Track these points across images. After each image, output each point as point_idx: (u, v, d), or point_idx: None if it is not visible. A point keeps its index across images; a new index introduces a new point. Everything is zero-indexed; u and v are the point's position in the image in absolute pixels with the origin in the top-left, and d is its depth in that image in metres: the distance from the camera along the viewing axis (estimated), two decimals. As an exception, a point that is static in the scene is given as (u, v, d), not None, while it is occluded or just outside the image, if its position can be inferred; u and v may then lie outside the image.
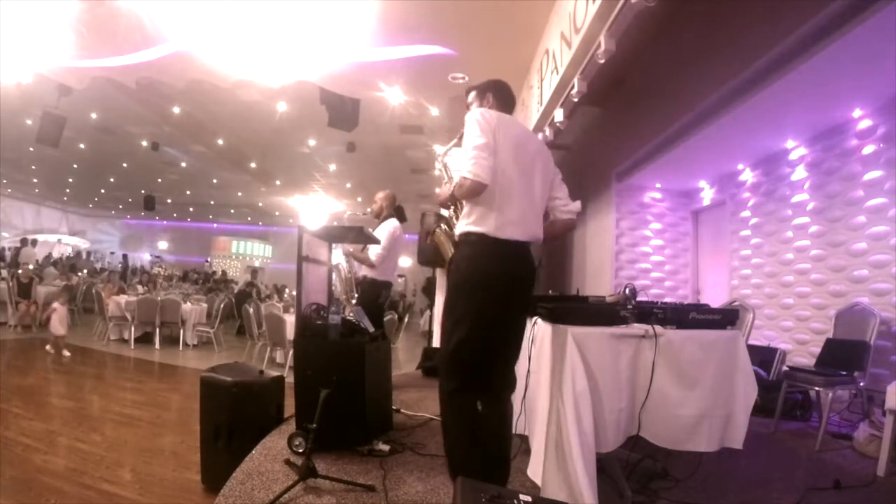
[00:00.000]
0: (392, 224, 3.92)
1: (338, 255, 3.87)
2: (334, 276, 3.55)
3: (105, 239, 21.52)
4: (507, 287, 1.82)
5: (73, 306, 9.52)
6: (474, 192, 1.79)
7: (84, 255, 19.13)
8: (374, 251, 3.79)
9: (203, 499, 2.62)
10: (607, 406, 1.94)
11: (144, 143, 9.69)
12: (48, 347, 6.54)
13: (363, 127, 6.49)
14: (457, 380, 1.79)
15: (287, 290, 12.89)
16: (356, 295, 3.87)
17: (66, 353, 6.46)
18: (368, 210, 4.17)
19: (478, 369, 1.79)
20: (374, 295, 3.91)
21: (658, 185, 6.29)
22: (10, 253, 13.95)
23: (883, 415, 2.75)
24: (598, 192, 6.12)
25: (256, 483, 2.13)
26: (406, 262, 12.72)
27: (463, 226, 1.87)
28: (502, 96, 2.07)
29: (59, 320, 6.56)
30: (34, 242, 14.39)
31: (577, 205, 2.09)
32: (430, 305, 7.49)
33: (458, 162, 1.85)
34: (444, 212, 3.64)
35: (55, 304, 6.74)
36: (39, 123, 7.09)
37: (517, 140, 1.89)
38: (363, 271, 3.92)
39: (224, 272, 16.24)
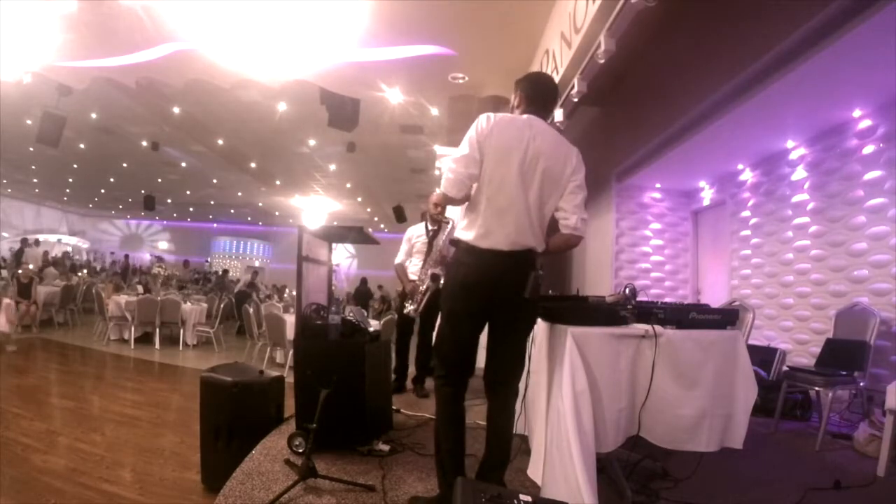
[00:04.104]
0: None
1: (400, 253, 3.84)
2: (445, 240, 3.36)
3: (105, 239, 21.52)
4: (483, 293, 1.84)
5: (74, 306, 9.52)
6: (448, 203, 1.91)
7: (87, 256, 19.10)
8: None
9: (203, 499, 2.62)
10: (607, 406, 1.94)
11: (144, 143, 9.68)
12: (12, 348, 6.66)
13: (363, 127, 6.49)
14: (439, 370, 1.94)
15: (287, 290, 12.89)
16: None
17: (11, 347, 6.67)
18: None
19: (454, 365, 1.92)
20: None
21: (658, 185, 6.29)
22: (11, 254, 13.93)
23: (883, 415, 2.75)
24: (598, 192, 6.12)
25: (256, 483, 2.13)
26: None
27: (457, 232, 1.97)
28: (529, 92, 2.01)
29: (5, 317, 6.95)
30: (37, 242, 14.38)
31: (575, 220, 1.89)
32: (430, 305, 7.49)
33: None
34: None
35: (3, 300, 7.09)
36: (39, 123, 7.08)
37: (512, 144, 1.84)
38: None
39: (226, 271, 16.22)
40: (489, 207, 1.85)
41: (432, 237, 3.73)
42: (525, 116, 1.94)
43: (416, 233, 3.92)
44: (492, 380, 1.96)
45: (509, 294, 1.84)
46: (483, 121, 1.87)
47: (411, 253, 3.91)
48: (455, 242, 1.95)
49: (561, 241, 1.95)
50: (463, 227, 1.93)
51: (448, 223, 3.45)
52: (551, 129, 1.99)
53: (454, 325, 1.92)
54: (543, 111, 2.00)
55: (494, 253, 1.83)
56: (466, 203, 1.94)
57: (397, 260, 3.93)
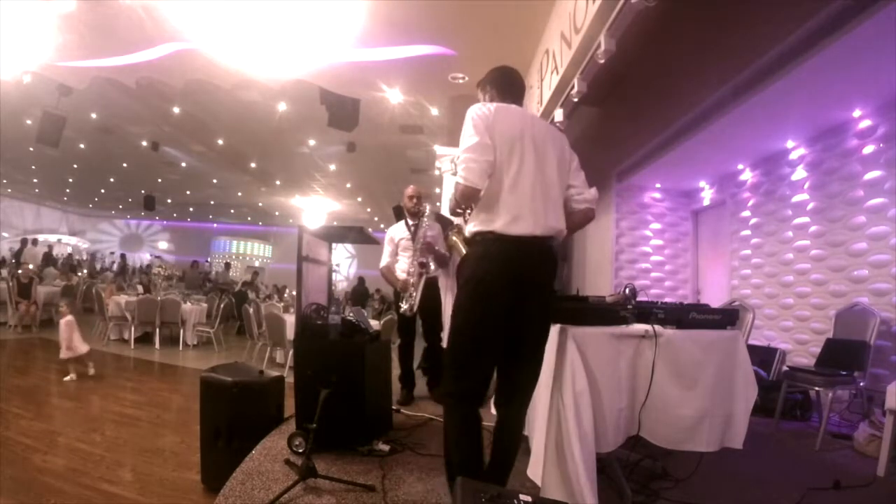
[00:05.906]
0: None
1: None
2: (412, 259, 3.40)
3: (105, 239, 21.52)
4: (512, 287, 1.70)
5: (73, 307, 9.50)
6: (469, 198, 1.74)
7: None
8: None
9: (203, 499, 2.62)
10: (607, 406, 1.94)
11: (144, 143, 9.68)
12: (69, 377, 5.00)
13: (363, 127, 6.49)
14: (454, 386, 1.75)
15: (287, 290, 12.88)
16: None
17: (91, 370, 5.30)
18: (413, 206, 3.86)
19: (476, 378, 1.74)
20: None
21: (658, 185, 6.29)
22: (10, 253, 13.92)
23: (883, 415, 2.76)
24: (598, 192, 6.13)
25: (256, 483, 2.13)
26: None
27: (472, 227, 1.81)
28: (502, 84, 1.98)
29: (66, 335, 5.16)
30: (35, 242, 14.38)
31: (592, 192, 1.94)
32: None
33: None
34: (445, 212, 3.51)
35: (64, 318, 5.30)
36: (39, 123, 7.09)
37: (520, 128, 1.79)
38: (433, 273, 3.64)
39: (228, 265, 16.19)
40: (511, 192, 1.74)
41: (415, 231, 3.69)
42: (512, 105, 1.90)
43: (399, 231, 3.78)
44: (511, 387, 1.82)
45: (539, 286, 1.76)
46: (481, 109, 1.78)
47: (396, 253, 3.76)
48: (473, 238, 1.82)
49: (581, 217, 1.95)
50: (480, 220, 1.78)
51: (426, 212, 3.45)
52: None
53: (481, 329, 1.72)
54: (518, 102, 1.96)
55: (525, 239, 1.73)
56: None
57: (382, 263, 3.78)
